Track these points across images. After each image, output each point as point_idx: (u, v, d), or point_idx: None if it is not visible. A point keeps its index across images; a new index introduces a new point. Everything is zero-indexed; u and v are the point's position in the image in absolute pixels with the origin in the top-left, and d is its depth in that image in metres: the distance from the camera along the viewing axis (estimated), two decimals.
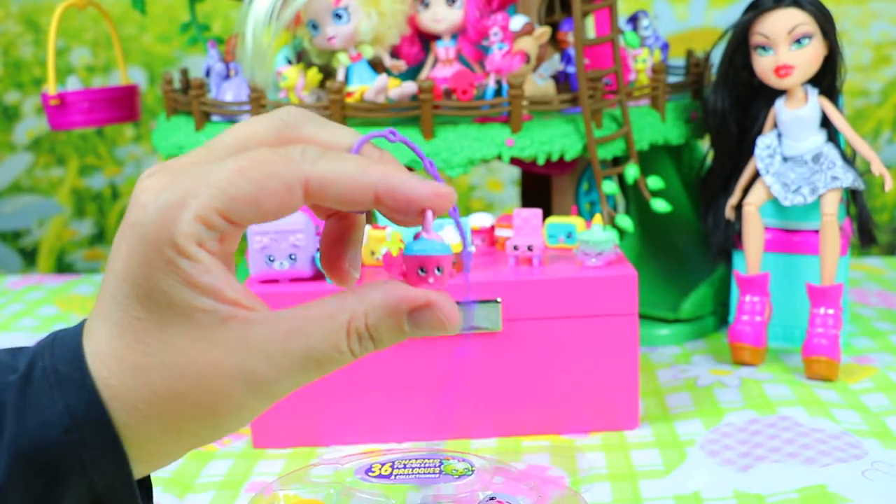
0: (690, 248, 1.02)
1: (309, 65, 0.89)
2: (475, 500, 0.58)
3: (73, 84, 1.05)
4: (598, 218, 0.75)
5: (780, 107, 0.87)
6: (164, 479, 0.68)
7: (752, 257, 0.87)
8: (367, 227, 0.74)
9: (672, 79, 1.04)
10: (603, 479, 0.66)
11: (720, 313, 0.97)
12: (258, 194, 0.34)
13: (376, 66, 0.88)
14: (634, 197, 1.03)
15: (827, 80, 0.88)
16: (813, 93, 0.87)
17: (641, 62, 0.93)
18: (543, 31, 0.87)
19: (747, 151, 0.90)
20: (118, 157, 1.63)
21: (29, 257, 1.65)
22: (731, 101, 0.91)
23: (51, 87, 1.02)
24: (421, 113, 0.83)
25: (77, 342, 0.36)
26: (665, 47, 1.00)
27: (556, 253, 0.77)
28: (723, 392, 0.80)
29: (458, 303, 0.37)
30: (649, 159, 0.98)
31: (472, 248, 0.77)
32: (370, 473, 0.61)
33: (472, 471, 0.61)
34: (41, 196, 1.64)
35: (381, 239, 0.76)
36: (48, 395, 0.35)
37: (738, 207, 0.90)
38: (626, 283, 0.72)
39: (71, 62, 1.59)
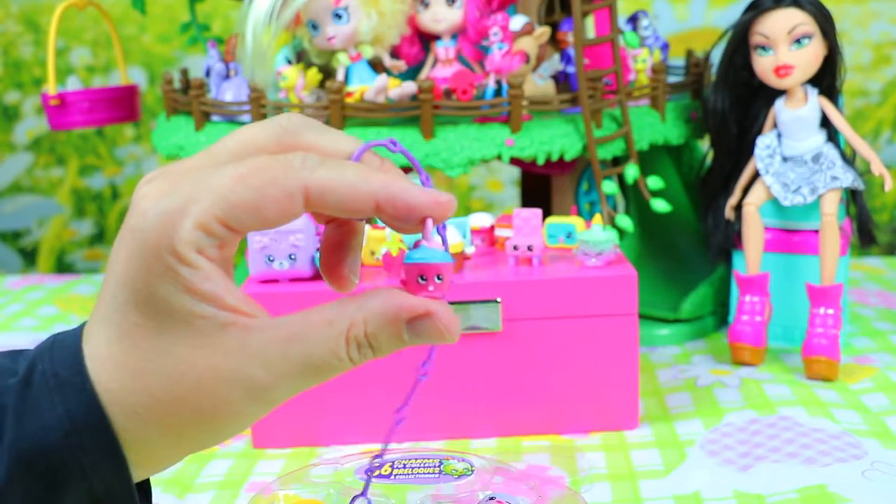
0: (690, 248, 1.02)
1: (309, 65, 0.89)
2: (475, 500, 0.58)
3: (73, 84, 1.05)
4: (597, 218, 0.75)
5: (780, 107, 0.87)
6: (164, 480, 0.68)
7: (751, 257, 0.87)
8: (367, 228, 0.74)
9: (672, 79, 1.04)
10: (603, 479, 0.66)
11: (720, 313, 0.97)
12: (259, 202, 0.34)
13: (376, 66, 0.88)
14: (634, 197, 1.03)
15: (827, 80, 0.88)
16: (813, 93, 0.87)
17: (641, 62, 0.93)
18: (543, 31, 0.87)
19: (747, 151, 0.90)
20: (118, 157, 1.63)
21: (29, 257, 1.65)
22: (730, 101, 0.91)
23: (51, 87, 1.02)
24: (421, 113, 0.83)
25: (76, 346, 0.36)
26: (665, 47, 1.00)
27: (555, 253, 0.77)
28: (723, 392, 0.80)
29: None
30: (649, 159, 0.98)
31: (471, 248, 0.77)
32: (370, 473, 0.61)
33: (472, 471, 0.61)
34: (41, 196, 1.64)
35: (381, 239, 0.76)
36: (48, 398, 0.35)
37: (738, 207, 0.90)
38: (626, 283, 0.72)
39: (71, 62, 1.60)
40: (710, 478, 0.65)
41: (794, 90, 0.87)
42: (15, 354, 0.37)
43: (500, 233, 0.79)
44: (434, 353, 0.40)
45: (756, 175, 0.89)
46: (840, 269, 0.85)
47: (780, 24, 0.85)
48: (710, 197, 0.94)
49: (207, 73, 0.97)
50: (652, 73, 0.93)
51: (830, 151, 0.86)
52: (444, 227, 0.38)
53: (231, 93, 0.93)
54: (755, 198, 0.87)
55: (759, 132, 0.90)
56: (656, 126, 0.92)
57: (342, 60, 0.86)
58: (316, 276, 0.73)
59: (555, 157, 0.85)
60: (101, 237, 1.65)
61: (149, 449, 0.36)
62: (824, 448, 0.67)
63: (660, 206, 0.90)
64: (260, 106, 0.86)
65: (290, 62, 0.90)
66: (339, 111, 0.83)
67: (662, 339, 0.93)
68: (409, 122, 0.85)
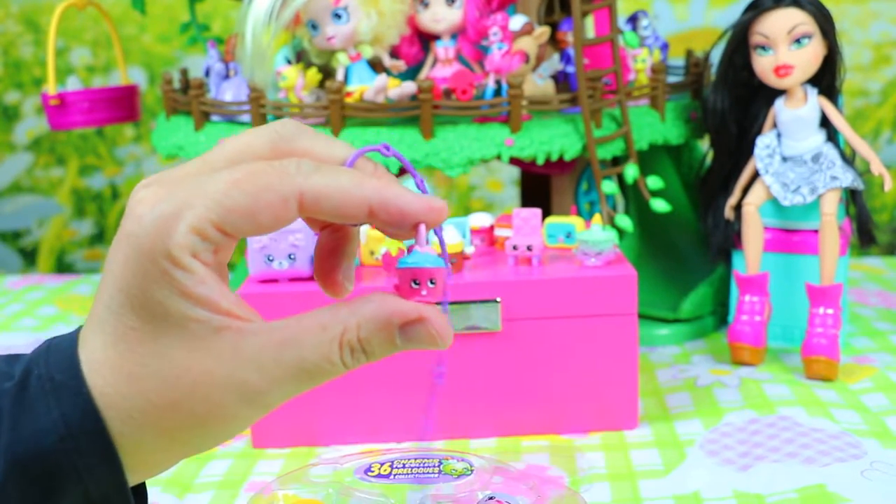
0: (690, 248, 1.02)
1: (308, 65, 0.89)
2: (474, 500, 0.58)
3: (73, 84, 1.05)
4: (597, 218, 0.75)
5: (780, 107, 0.87)
6: (164, 480, 0.68)
7: (751, 257, 0.87)
8: (366, 228, 0.74)
9: (672, 79, 1.04)
10: (602, 479, 0.66)
11: (720, 313, 0.97)
12: (253, 206, 0.34)
13: (376, 65, 0.88)
14: (634, 197, 1.03)
15: (826, 79, 0.88)
16: (812, 93, 0.87)
17: (641, 62, 0.93)
18: (543, 31, 0.87)
19: (747, 151, 0.90)
20: (118, 157, 1.63)
21: (29, 257, 1.65)
22: (730, 101, 0.91)
23: (51, 87, 1.02)
24: (420, 113, 0.83)
25: (72, 350, 0.36)
26: (665, 47, 1.00)
27: (555, 253, 0.77)
28: (722, 392, 0.80)
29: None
30: (649, 159, 0.98)
31: (471, 248, 0.77)
32: (369, 473, 0.61)
33: (472, 470, 0.61)
34: (41, 196, 1.64)
35: (381, 239, 0.76)
36: (44, 402, 0.35)
37: (738, 207, 0.90)
38: (626, 283, 0.72)
39: (71, 62, 1.60)
40: (709, 478, 0.65)
41: (793, 90, 0.87)
42: (11, 359, 0.37)
43: (499, 233, 0.79)
44: (445, 356, 0.40)
45: (756, 175, 0.89)
46: (840, 269, 0.85)
47: (779, 23, 0.85)
48: (710, 197, 0.94)
49: (207, 73, 0.97)
50: (651, 72, 0.93)
51: (830, 151, 0.86)
52: (440, 229, 0.38)
53: (231, 93, 0.93)
54: (755, 198, 0.87)
55: (759, 132, 0.90)
56: (656, 126, 0.92)
57: (342, 60, 0.86)
58: None
59: (554, 157, 0.85)
60: (101, 237, 1.66)
61: (144, 453, 0.36)
62: (824, 448, 0.67)
63: (659, 205, 0.90)
64: (259, 106, 0.86)
65: (289, 62, 0.90)
66: (338, 111, 0.83)
67: (662, 338, 0.93)
68: (409, 122, 0.85)
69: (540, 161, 0.85)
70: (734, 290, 0.90)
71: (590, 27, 0.95)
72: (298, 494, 0.60)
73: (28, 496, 0.35)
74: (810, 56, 0.85)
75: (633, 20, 0.99)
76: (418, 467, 0.61)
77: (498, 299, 0.71)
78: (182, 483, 0.68)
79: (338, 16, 0.84)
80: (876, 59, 1.54)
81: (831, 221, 0.83)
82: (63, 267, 1.65)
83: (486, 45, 0.86)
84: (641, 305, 0.88)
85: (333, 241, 0.40)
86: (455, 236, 0.74)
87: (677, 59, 1.07)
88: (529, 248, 0.74)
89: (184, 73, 1.05)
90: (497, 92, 0.85)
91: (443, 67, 0.88)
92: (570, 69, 0.92)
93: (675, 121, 0.94)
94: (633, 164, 0.89)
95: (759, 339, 0.85)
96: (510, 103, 0.83)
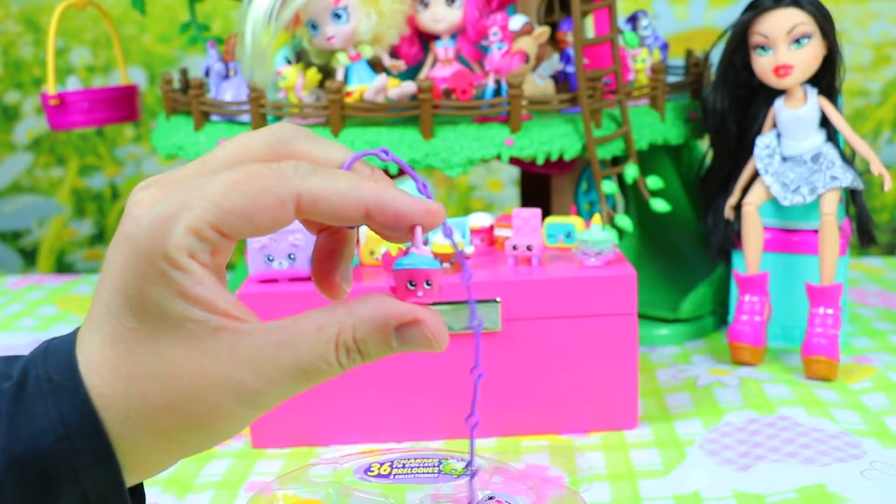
0: (690, 248, 1.02)
1: (308, 65, 0.89)
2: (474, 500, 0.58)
3: (72, 84, 1.05)
4: (597, 218, 0.75)
5: (780, 106, 0.87)
6: (164, 479, 0.68)
7: (751, 257, 0.87)
8: (366, 229, 0.74)
9: (671, 79, 1.04)
10: (602, 479, 0.66)
11: (719, 313, 0.97)
12: (251, 208, 0.35)
13: (375, 65, 0.88)
14: (634, 197, 1.03)
15: (826, 79, 0.88)
16: (812, 92, 0.87)
17: (641, 62, 0.93)
18: (542, 31, 0.87)
19: (746, 151, 0.90)
20: (118, 157, 1.63)
21: (29, 257, 1.65)
22: (730, 101, 0.91)
23: (50, 87, 1.02)
24: (420, 113, 0.83)
25: (70, 351, 0.36)
26: (664, 47, 1.00)
27: (555, 253, 0.77)
28: (722, 392, 0.80)
29: (465, 302, 0.38)
30: (649, 159, 0.98)
31: (470, 248, 0.77)
32: (369, 473, 0.61)
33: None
34: (41, 196, 1.64)
35: (380, 239, 0.76)
36: (41, 403, 0.35)
37: (738, 207, 0.90)
38: (626, 283, 0.72)
39: (71, 62, 1.60)
40: (709, 477, 0.65)
41: (793, 90, 0.87)
42: (10, 360, 0.37)
43: (499, 232, 0.79)
44: (480, 350, 0.40)
45: (755, 175, 0.89)
46: (839, 268, 0.85)
47: (779, 23, 0.85)
48: (710, 197, 0.94)
49: (207, 73, 0.97)
50: (651, 72, 0.93)
51: (830, 151, 0.86)
52: (450, 231, 0.39)
53: (230, 93, 0.93)
54: (755, 197, 0.87)
55: (759, 132, 0.90)
56: (656, 126, 0.92)
57: (341, 60, 0.86)
58: None
59: (554, 157, 0.85)
60: (101, 237, 1.66)
61: (141, 453, 0.36)
62: (823, 448, 0.67)
63: (659, 205, 0.90)
64: (259, 106, 0.86)
65: (289, 62, 0.90)
66: (338, 111, 0.83)
67: (662, 338, 0.93)
68: (409, 122, 0.85)
69: (540, 161, 0.85)
70: (734, 290, 0.90)
71: (590, 27, 0.95)
72: (298, 494, 0.60)
73: (26, 496, 0.35)
74: (810, 56, 0.85)
75: (632, 20, 0.99)
76: (418, 467, 0.61)
77: (498, 299, 0.71)
78: (182, 483, 0.68)
79: (338, 16, 0.84)
80: (876, 59, 1.54)
81: (831, 221, 0.83)
82: (63, 267, 1.65)
83: (486, 45, 0.86)
84: (641, 305, 0.88)
85: (331, 243, 0.40)
86: (455, 236, 0.74)
87: (677, 59, 1.07)
88: (529, 248, 0.74)
89: (184, 73, 1.05)
90: (497, 92, 0.85)
91: (442, 67, 0.88)
92: (570, 69, 0.92)
93: (675, 121, 0.94)
94: (633, 164, 0.89)
95: (758, 339, 0.85)
96: (510, 103, 0.83)
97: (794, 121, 0.87)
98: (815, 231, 0.86)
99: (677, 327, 0.94)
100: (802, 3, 0.85)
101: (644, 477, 0.66)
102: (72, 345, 0.36)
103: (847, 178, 0.84)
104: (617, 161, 0.94)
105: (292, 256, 0.72)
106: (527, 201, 1.08)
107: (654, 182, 0.90)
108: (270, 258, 0.72)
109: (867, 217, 0.89)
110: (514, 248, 0.74)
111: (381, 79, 0.83)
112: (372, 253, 0.76)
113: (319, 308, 0.37)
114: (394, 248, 0.73)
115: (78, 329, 0.37)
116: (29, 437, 0.34)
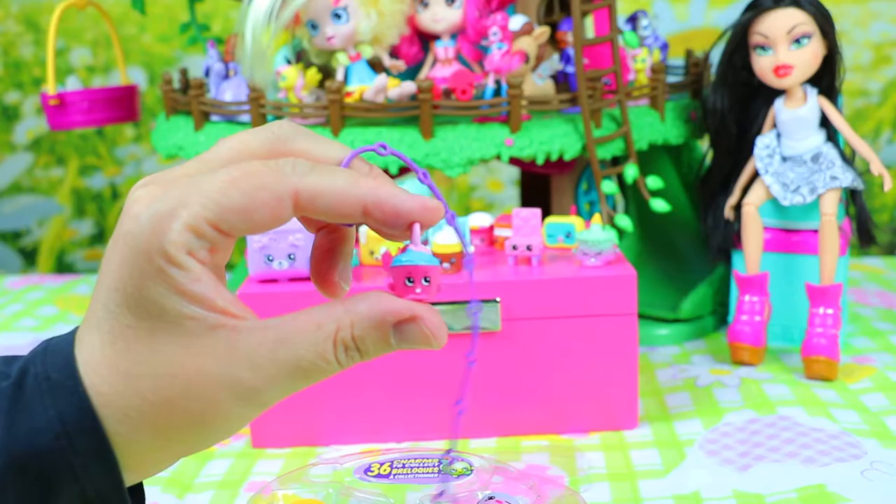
0: (690, 248, 1.02)
1: (308, 65, 0.89)
2: (474, 500, 0.58)
3: (72, 84, 1.05)
4: (597, 218, 0.75)
5: (780, 106, 0.87)
6: (164, 479, 0.68)
7: (751, 257, 0.87)
8: (366, 228, 0.74)
9: (671, 79, 1.04)
10: (602, 479, 0.66)
11: (720, 313, 0.97)
12: (249, 205, 0.35)
13: (375, 65, 0.88)
14: (634, 197, 1.03)
15: (826, 79, 0.88)
16: (812, 92, 0.87)
17: (640, 62, 0.93)
18: (542, 31, 0.87)
19: (746, 151, 0.90)
20: (118, 157, 1.63)
21: (29, 257, 1.65)
22: (730, 101, 0.91)
23: (50, 87, 1.02)
24: (420, 113, 0.83)
25: (69, 349, 0.36)
26: (664, 47, 1.00)
27: (555, 253, 0.77)
28: (722, 392, 0.80)
29: (465, 302, 0.38)
30: (648, 159, 0.98)
31: (472, 248, 0.77)
32: (369, 473, 0.61)
33: (471, 470, 0.61)
34: (41, 196, 1.64)
35: (380, 238, 0.76)
36: (40, 401, 0.35)
37: (738, 207, 0.90)
38: (626, 283, 0.72)
39: (71, 62, 1.60)
40: (709, 478, 0.65)
41: (793, 90, 0.87)
42: (9, 359, 0.37)
43: (499, 232, 0.79)
44: (477, 340, 0.40)
45: (755, 175, 0.89)
46: (839, 268, 0.85)
47: (779, 23, 0.85)
48: (710, 197, 0.94)
49: (207, 73, 0.97)
50: (651, 72, 0.93)
51: (830, 151, 0.86)
52: (452, 217, 0.38)
53: (230, 93, 0.93)
54: (755, 197, 0.87)
55: (759, 132, 0.90)
56: (656, 126, 0.92)
57: (341, 60, 0.86)
58: None
59: (554, 157, 0.85)
60: (101, 237, 1.66)
61: (140, 452, 0.36)
62: (823, 448, 0.67)
63: (659, 205, 0.90)
64: (259, 106, 0.86)
65: (289, 62, 0.90)
66: (338, 111, 0.83)
67: (662, 338, 0.93)
68: (409, 122, 0.85)
69: (540, 161, 0.85)
70: (734, 290, 0.90)
71: (589, 27, 0.95)
72: (298, 494, 0.60)
73: (24, 495, 0.35)
74: (810, 56, 0.85)
75: (632, 20, 0.99)
76: (418, 467, 0.61)
77: (498, 299, 0.71)
78: (182, 483, 0.68)
79: (337, 16, 0.84)
80: (876, 59, 1.54)
81: (831, 221, 0.83)
82: (63, 267, 1.65)
83: (486, 45, 0.86)
84: (641, 305, 0.88)
85: (330, 241, 0.40)
86: (453, 236, 0.74)
87: (677, 59, 1.07)
88: (529, 248, 0.74)
89: (184, 73, 1.05)
90: (497, 92, 0.85)
91: (442, 67, 0.88)
92: (570, 69, 0.92)
93: (675, 121, 0.94)
94: (633, 164, 0.89)
95: (758, 339, 0.85)
96: (510, 103, 0.83)
97: (794, 121, 0.87)
98: (815, 231, 0.86)
99: (677, 327, 0.94)
100: (802, 3, 0.85)
101: (644, 477, 0.66)
102: (71, 344, 0.36)
103: (847, 179, 0.84)
104: (617, 161, 0.94)
105: (292, 256, 0.72)
106: (527, 201, 1.08)
107: (654, 182, 0.90)
108: (270, 258, 0.72)
109: (867, 217, 0.89)
110: (514, 248, 0.74)
111: (381, 79, 0.83)
112: (372, 253, 0.76)
113: (318, 305, 0.37)
114: (393, 248, 0.73)
115: (77, 328, 0.37)
116: (28, 435, 0.34)
